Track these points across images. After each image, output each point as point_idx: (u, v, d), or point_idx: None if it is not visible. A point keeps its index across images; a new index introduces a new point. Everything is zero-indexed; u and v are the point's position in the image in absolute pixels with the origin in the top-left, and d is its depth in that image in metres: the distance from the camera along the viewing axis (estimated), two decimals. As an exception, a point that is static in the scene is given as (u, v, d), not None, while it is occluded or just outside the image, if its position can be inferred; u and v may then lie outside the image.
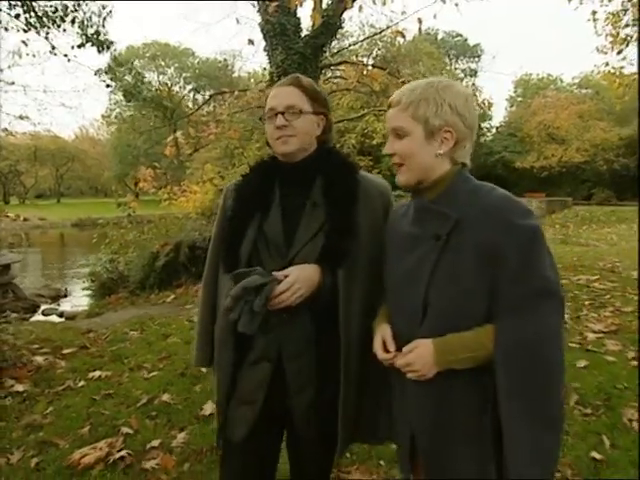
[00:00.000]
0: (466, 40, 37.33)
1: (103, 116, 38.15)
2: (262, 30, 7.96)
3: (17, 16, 5.24)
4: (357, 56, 16.94)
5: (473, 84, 31.00)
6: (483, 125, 29.33)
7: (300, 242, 1.28)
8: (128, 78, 7.11)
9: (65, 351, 3.94)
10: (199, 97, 33.74)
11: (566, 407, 2.49)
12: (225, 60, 32.97)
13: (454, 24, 44.10)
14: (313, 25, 7.36)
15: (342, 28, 8.79)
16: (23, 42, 5.76)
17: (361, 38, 18.53)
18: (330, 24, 7.83)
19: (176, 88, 34.49)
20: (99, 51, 5.76)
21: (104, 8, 6.42)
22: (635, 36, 8.79)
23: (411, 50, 19.14)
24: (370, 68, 8.76)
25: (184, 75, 35.54)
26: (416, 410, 1.13)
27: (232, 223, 1.36)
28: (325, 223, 1.27)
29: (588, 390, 2.77)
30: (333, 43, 9.90)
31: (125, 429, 2.53)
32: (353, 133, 15.54)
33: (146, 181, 6.89)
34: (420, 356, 1.06)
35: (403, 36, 7.87)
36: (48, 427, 2.61)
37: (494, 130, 35.26)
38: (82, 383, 3.24)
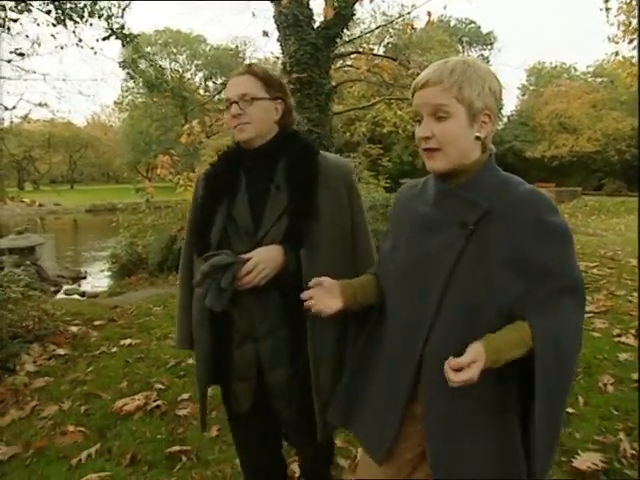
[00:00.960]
0: (479, 27, 36.99)
1: (116, 103, 38.51)
2: (275, 21, 8.15)
3: (48, 12, 5.55)
4: (368, 44, 16.99)
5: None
6: (493, 114, 29.30)
7: (267, 225, 1.31)
8: (150, 70, 7.41)
9: (96, 323, 4.32)
10: (210, 84, 33.96)
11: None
12: (237, 47, 33.09)
13: (464, 14, 43.51)
14: (325, 17, 7.59)
15: (354, 18, 8.97)
16: (52, 36, 6.07)
17: (373, 26, 18.57)
18: (342, 15, 8.01)
19: (187, 75, 34.71)
20: (123, 44, 6.06)
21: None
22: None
23: (423, 38, 19.15)
24: (380, 59, 8.89)
25: (195, 62, 35.73)
26: (427, 408, 1.06)
27: (202, 210, 1.40)
28: (289, 205, 1.31)
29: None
30: (345, 31, 10.05)
31: (158, 385, 2.89)
32: (364, 121, 15.73)
33: (163, 167, 7.20)
34: (480, 367, 0.94)
35: (413, 29, 8.04)
36: (90, 383, 2.99)
37: (505, 119, 35.06)
38: (115, 349, 3.61)
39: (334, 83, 8.86)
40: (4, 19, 5.94)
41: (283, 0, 7.10)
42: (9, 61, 7.60)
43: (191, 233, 1.47)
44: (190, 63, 35.80)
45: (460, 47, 34.08)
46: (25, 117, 12.25)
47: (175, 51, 34.94)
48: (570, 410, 2.40)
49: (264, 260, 1.26)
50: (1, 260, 8.06)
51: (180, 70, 33.90)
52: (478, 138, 1.04)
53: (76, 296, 8.25)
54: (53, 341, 3.62)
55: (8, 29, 6.47)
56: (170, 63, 34.37)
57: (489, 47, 37.44)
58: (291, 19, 7.86)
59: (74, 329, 4.02)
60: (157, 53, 32.30)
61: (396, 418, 1.10)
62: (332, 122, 9.44)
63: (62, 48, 6.41)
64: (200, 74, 35.62)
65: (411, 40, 17.35)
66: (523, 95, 37.85)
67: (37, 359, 3.30)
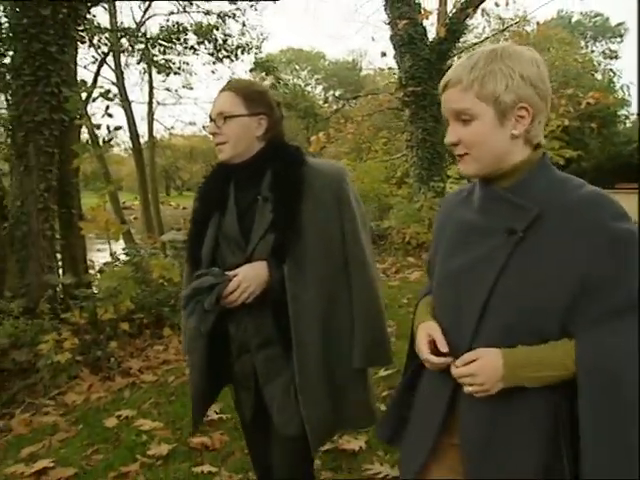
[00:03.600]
0: (607, 19, 33.90)
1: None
2: (391, 40, 9.06)
3: (212, 54, 7.19)
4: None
5: (610, 70, 28.30)
6: (621, 112, 26.58)
7: (255, 239, 1.31)
8: (284, 90, 8.89)
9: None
10: (329, 96, 36.12)
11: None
12: (353, 60, 34.85)
13: (590, 7, 39.83)
14: (438, 34, 8.30)
15: (468, 23, 9.47)
16: (212, 72, 7.76)
17: (487, 30, 18.46)
18: (454, 30, 8.66)
19: (308, 88, 37.32)
20: (267, 74, 7.51)
21: (262, 35, 8.30)
22: None
23: (541, 39, 18.56)
24: None
25: (316, 77, 38.29)
26: (464, 430, 0.98)
27: (194, 224, 1.43)
28: (272, 220, 1.29)
29: None
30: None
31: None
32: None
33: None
34: (485, 367, 0.90)
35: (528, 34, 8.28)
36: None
37: (633, 117, 31.59)
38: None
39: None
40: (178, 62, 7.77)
41: (400, 24, 7.95)
42: (176, 90, 9.59)
43: (186, 248, 1.49)
44: (311, 77, 38.44)
45: (583, 42, 31.59)
46: (170, 133, 14.71)
47: (297, 68, 37.83)
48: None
49: (248, 278, 1.26)
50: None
51: (302, 84, 36.61)
52: (516, 136, 0.92)
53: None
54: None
55: (178, 68, 8.35)
56: (293, 79, 37.25)
57: (618, 39, 34.06)
58: (406, 38, 8.71)
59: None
60: (282, 70, 35.33)
61: (428, 446, 1.02)
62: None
63: (218, 80, 8.11)
64: (320, 87, 38.12)
65: (528, 41, 16.93)
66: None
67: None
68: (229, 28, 8.81)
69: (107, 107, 3.47)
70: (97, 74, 7.60)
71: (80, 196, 5.80)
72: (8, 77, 4.55)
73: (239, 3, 8.58)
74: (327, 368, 1.34)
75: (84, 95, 4.03)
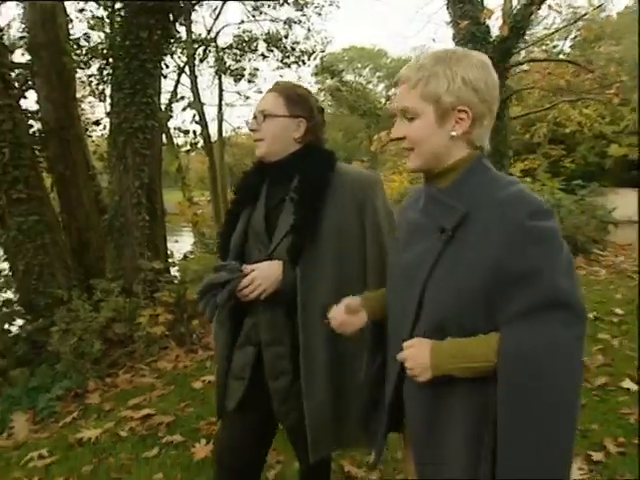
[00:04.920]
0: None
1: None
2: (453, 39, 9.11)
3: (280, 60, 7.69)
4: (552, 41, 16.34)
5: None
6: None
7: (278, 236, 1.34)
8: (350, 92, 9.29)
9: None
10: (391, 94, 36.09)
11: None
12: (416, 58, 34.63)
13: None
14: (501, 33, 8.26)
15: (531, 27, 9.35)
16: (280, 76, 8.28)
17: (557, 20, 17.70)
18: (518, 28, 8.55)
19: (370, 86, 37.52)
20: (332, 77, 7.92)
21: (326, 38, 8.71)
22: None
23: (619, 26, 17.57)
24: (554, 67, 9.11)
25: (377, 74, 38.30)
26: (408, 410, 1.06)
27: (228, 217, 1.47)
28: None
29: None
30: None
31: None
32: (544, 122, 15.36)
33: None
34: (415, 355, 0.96)
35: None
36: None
37: None
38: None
39: (510, 92, 9.33)
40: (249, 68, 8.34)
41: (462, 24, 8.02)
42: (247, 98, 10.26)
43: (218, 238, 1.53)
44: (372, 75, 38.51)
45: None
46: (234, 130, 15.57)
47: (359, 66, 38.04)
48: None
49: (261, 276, 1.29)
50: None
51: (364, 82, 36.88)
52: (455, 137, 0.96)
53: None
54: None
55: (249, 74, 8.94)
56: (355, 77, 37.59)
57: None
58: (468, 36, 8.71)
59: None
60: (345, 69, 35.77)
61: (381, 432, 1.13)
62: (510, 126, 9.92)
63: (278, 84, 8.74)
64: (382, 85, 38.12)
65: (603, 31, 16.10)
66: None
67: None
68: (294, 34, 9.37)
69: (194, 115, 4.00)
70: (177, 82, 8.33)
71: (162, 192, 6.50)
72: (107, 89, 5.24)
73: (305, 10, 9.13)
74: (333, 377, 1.33)
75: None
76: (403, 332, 1.02)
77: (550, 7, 8.17)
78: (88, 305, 4.01)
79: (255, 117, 1.37)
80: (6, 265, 4.47)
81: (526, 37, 10.88)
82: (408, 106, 0.99)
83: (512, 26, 8.28)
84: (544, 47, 14.70)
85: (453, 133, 0.97)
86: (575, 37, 17.79)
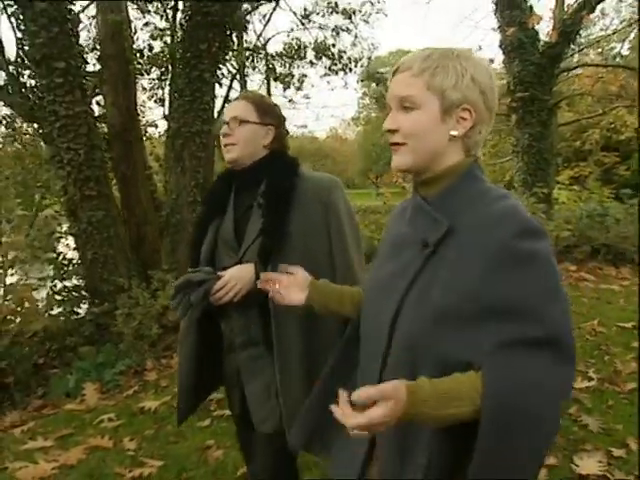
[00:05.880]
0: None
1: (353, 118, 43.77)
2: (500, 46, 9.06)
3: (328, 67, 7.99)
4: (609, 43, 15.77)
5: None
6: None
7: (247, 241, 1.38)
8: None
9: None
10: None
11: None
12: (464, 60, 34.22)
13: None
14: (550, 39, 8.18)
15: (581, 33, 9.17)
16: (327, 82, 8.57)
17: (616, 21, 17.05)
18: (568, 33, 8.41)
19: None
20: (377, 85, 8.13)
21: (373, 45, 8.94)
22: None
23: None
24: (606, 73, 8.91)
25: (424, 77, 38.27)
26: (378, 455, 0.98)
27: (197, 227, 1.51)
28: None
29: None
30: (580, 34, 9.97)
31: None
32: (597, 128, 14.91)
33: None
34: (386, 415, 0.73)
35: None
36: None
37: None
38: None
39: (559, 98, 9.17)
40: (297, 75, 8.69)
41: (509, 31, 8.01)
42: (291, 100, 10.61)
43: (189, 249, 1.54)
44: (419, 78, 38.49)
45: None
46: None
47: (406, 69, 38.09)
48: None
49: (235, 277, 1.32)
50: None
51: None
52: (454, 137, 0.90)
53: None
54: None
55: (298, 80, 9.29)
56: (401, 80, 37.53)
57: None
58: (515, 42, 8.64)
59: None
60: (384, 71, 35.87)
61: (361, 457, 0.99)
62: (558, 133, 9.73)
63: (332, 90, 8.95)
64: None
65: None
66: None
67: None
68: (342, 40, 9.67)
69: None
70: (230, 88, 8.78)
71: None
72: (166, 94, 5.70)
73: (353, 17, 9.39)
74: (308, 372, 1.34)
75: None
76: (377, 348, 0.92)
77: (603, 14, 7.94)
78: (147, 293, 4.42)
79: (227, 123, 1.40)
80: (75, 254, 4.97)
81: (582, 39, 10.61)
82: (409, 95, 0.90)
83: (561, 31, 8.19)
84: (600, 50, 14.26)
85: (453, 132, 0.90)
86: (634, 37, 17.06)
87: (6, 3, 4.38)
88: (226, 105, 8.19)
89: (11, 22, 4.52)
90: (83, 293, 4.81)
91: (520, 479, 0.80)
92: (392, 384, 0.76)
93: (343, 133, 54.45)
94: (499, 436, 0.77)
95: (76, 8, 4.45)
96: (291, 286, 1.17)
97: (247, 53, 8.70)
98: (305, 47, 8.76)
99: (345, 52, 8.80)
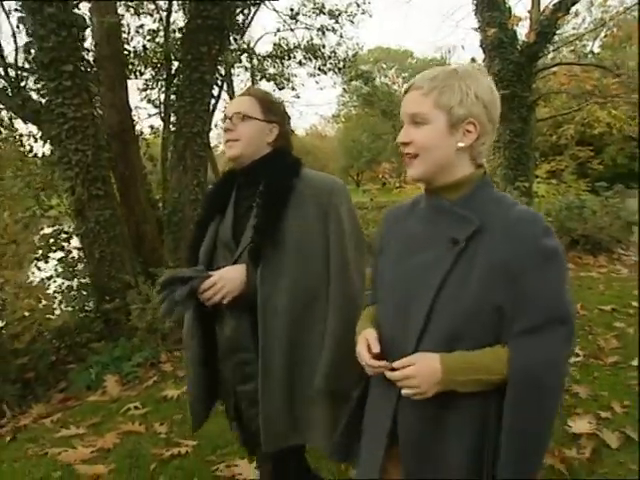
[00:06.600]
0: None
1: (333, 116, 44.01)
2: (481, 45, 9.37)
3: (318, 68, 8.22)
4: (580, 40, 16.23)
5: None
6: None
7: (244, 243, 1.34)
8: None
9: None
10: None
11: None
12: (441, 57, 34.76)
13: None
14: (528, 39, 8.52)
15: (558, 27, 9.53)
16: (316, 82, 8.82)
17: (587, 20, 17.59)
18: (545, 33, 8.77)
19: (395, 87, 37.82)
20: (365, 84, 8.41)
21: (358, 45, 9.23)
22: None
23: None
24: (580, 71, 9.33)
25: (403, 75, 38.56)
26: (402, 426, 1.03)
27: (197, 226, 1.48)
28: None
29: None
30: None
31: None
32: (572, 123, 15.42)
33: (385, 174, 9.17)
34: (423, 371, 0.93)
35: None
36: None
37: None
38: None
39: (537, 95, 9.53)
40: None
41: (490, 32, 8.33)
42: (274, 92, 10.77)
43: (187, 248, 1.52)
44: (398, 76, 38.78)
45: None
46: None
47: (385, 66, 38.40)
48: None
49: (224, 278, 1.29)
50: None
51: (389, 83, 37.18)
52: (461, 148, 1.00)
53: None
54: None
55: (286, 79, 9.48)
56: (380, 77, 37.94)
57: None
58: (495, 42, 8.96)
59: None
60: (370, 70, 36.11)
61: (379, 455, 1.05)
62: (536, 128, 10.09)
63: (322, 89, 9.23)
64: (406, 85, 38.57)
65: (634, 31, 15.87)
66: None
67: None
68: (328, 40, 9.87)
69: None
70: (221, 88, 8.90)
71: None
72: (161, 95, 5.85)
73: (339, 18, 9.61)
74: (291, 381, 1.34)
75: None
76: (406, 345, 0.99)
77: (577, 14, 8.30)
78: (153, 290, 4.57)
79: (230, 118, 1.37)
80: (80, 253, 5.08)
81: (556, 37, 10.96)
82: (419, 112, 1.01)
83: (539, 31, 8.54)
84: (572, 48, 14.74)
85: (460, 144, 1.00)
86: (605, 36, 17.64)
87: (13, 9, 4.47)
88: (218, 105, 8.35)
89: (13, 29, 4.62)
90: (90, 291, 4.93)
91: (542, 440, 0.95)
92: (420, 353, 0.96)
93: (322, 130, 54.64)
94: (520, 401, 0.93)
95: (80, 12, 4.54)
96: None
97: (237, 53, 8.84)
98: (295, 47, 8.96)
99: (335, 53, 9.05)
